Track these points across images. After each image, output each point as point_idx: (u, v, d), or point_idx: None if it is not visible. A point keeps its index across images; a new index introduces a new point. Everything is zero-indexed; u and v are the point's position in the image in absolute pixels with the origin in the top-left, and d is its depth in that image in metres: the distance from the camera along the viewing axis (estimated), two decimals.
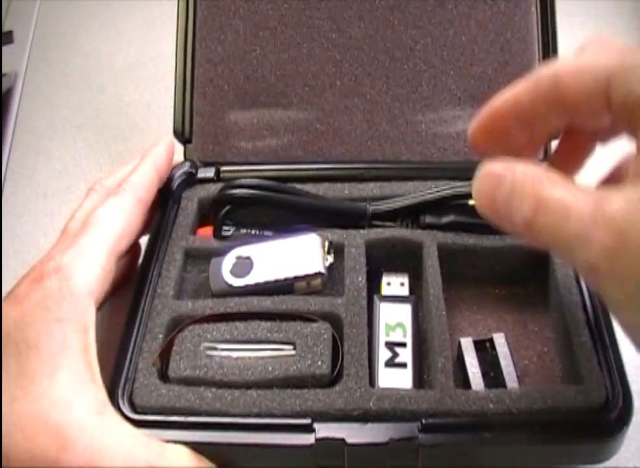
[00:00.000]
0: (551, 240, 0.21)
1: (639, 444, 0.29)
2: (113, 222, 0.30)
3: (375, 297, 0.32)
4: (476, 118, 0.26)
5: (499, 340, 0.30)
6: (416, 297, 0.32)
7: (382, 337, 0.30)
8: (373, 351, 0.30)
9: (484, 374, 0.29)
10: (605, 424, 0.25)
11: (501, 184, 0.22)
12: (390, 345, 0.30)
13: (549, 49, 0.38)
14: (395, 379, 0.29)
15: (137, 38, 0.56)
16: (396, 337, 0.30)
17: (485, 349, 0.30)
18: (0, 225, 0.43)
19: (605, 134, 0.26)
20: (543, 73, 0.24)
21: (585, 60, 0.23)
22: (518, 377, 0.29)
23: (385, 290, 0.33)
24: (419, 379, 0.29)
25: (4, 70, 0.52)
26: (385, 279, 0.33)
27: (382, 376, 0.29)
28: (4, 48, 0.54)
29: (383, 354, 0.30)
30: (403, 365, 0.29)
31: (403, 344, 0.30)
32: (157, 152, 0.35)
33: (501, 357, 0.29)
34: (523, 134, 0.25)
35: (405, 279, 0.33)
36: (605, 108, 0.23)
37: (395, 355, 0.30)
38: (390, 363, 0.29)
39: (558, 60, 0.24)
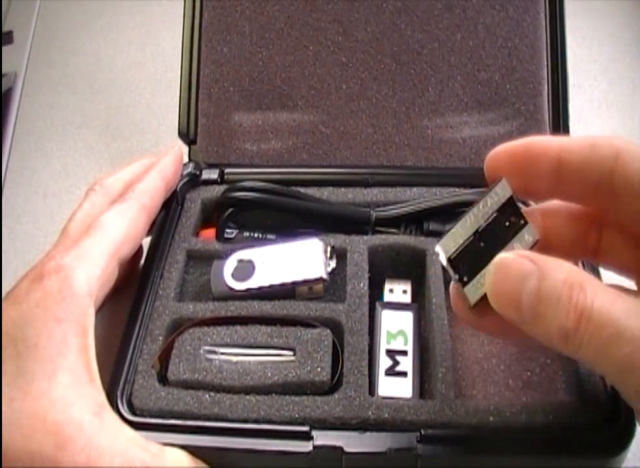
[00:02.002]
0: (596, 359, 0.21)
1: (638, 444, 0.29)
2: (117, 228, 0.30)
3: (377, 304, 0.32)
4: (506, 145, 0.24)
5: None
6: (418, 305, 0.32)
7: (383, 345, 0.30)
8: (373, 359, 0.29)
9: None
10: (607, 441, 0.25)
11: (526, 283, 0.21)
12: (391, 353, 0.30)
13: (557, 55, 0.38)
14: (395, 388, 0.29)
15: (137, 38, 0.56)
16: (397, 345, 0.30)
17: None
18: (0, 225, 0.43)
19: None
20: (601, 141, 0.23)
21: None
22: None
23: (387, 297, 0.33)
24: (420, 389, 0.29)
25: (4, 70, 0.53)
26: (387, 286, 0.33)
27: (382, 385, 0.29)
28: (4, 48, 0.54)
29: (383, 362, 0.29)
30: (404, 374, 0.29)
31: (404, 353, 0.30)
32: (165, 162, 0.35)
33: None
34: (553, 186, 0.24)
35: (408, 287, 0.33)
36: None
37: (396, 363, 0.29)
38: (390, 372, 0.29)
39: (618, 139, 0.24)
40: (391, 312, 0.31)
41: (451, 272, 0.23)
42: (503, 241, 0.24)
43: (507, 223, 0.24)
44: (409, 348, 0.30)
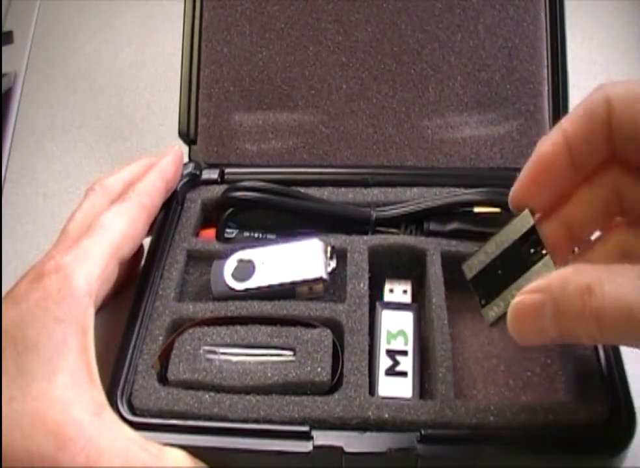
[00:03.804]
0: (624, 343, 0.22)
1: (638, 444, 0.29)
2: (117, 227, 0.30)
3: (377, 304, 0.32)
4: (523, 173, 0.25)
5: None
6: (418, 305, 0.32)
7: (383, 345, 0.30)
8: (373, 359, 0.29)
9: None
10: (607, 441, 0.25)
11: (544, 313, 0.22)
12: (391, 353, 0.30)
13: (557, 55, 0.38)
14: (396, 388, 0.29)
15: (137, 38, 0.55)
16: (397, 345, 0.30)
17: None
18: (0, 225, 0.43)
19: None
20: (594, 98, 0.24)
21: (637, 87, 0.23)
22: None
23: (387, 297, 0.33)
24: (420, 389, 0.29)
25: (4, 70, 0.52)
26: (387, 286, 0.33)
27: (382, 385, 0.29)
28: (4, 48, 0.54)
29: (384, 362, 0.29)
30: (404, 374, 0.29)
31: (404, 353, 0.30)
32: (165, 162, 0.35)
33: None
34: (573, 174, 0.25)
35: (408, 287, 0.33)
36: None
37: (396, 363, 0.29)
38: (391, 372, 0.29)
39: (608, 84, 0.24)
40: (392, 312, 0.31)
41: (473, 291, 0.26)
42: (522, 269, 0.25)
43: (527, 252, 0.25)
44: (409, 348, 0.30)
